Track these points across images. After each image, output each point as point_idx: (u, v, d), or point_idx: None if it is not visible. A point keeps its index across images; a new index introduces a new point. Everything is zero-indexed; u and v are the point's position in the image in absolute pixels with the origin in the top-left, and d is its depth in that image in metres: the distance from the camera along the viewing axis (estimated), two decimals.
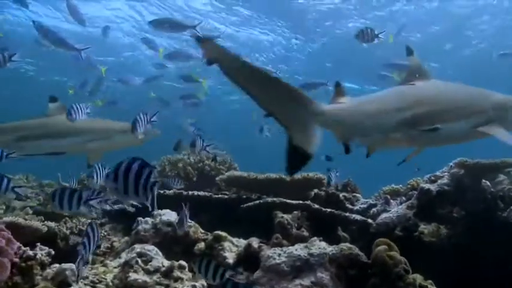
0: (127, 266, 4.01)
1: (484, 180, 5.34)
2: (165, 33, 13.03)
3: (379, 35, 6.89)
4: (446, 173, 5.64)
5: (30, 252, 3.53)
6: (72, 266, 3.66)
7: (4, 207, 6.06)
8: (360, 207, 6.08)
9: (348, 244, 4.32)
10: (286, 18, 17.78)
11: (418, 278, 3.99)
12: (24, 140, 5.56)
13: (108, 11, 17.05)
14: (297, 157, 3.24)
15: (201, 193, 5.78)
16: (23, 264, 3.51)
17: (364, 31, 6.88)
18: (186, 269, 4.14)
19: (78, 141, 5.59)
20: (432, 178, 5.77)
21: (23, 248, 3.54)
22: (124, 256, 4.30)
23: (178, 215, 4.87)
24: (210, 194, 5.82)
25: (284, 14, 17.33)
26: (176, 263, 4.11)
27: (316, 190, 6.18)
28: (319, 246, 4.26)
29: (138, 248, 4.26)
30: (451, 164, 5.66)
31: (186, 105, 11.42)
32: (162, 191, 5.75)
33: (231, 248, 4.62)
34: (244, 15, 17.47)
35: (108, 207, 5.53)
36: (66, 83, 20.72)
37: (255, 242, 4.55)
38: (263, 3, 16.49)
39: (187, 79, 10.66)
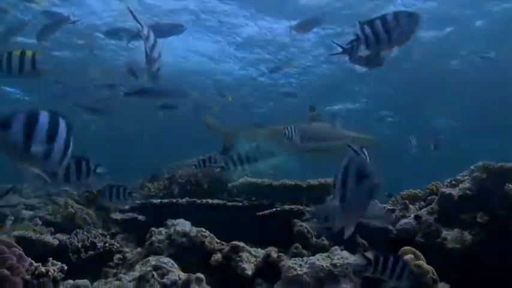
0: (143, 280, 3.84)
1: (507, 184, 5.14)
2: None
3: None
4: (467, 177, 5.44)
5: (43, 269, 3.35)
6: (86, 282, 3.49)
7: (13, 217, 5.91)
8: None
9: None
10: None
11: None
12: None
13: None
14: None
15: (215, 201, 5.61)
16: (35, 282, 3.32)
17: None
18: (204, 282, 3.97)
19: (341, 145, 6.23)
20: (453, 182, 5.56)
21: (34, 264, 3.36)
22: (138, 269, 4.13)
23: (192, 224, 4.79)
24: (224, 202, 5.65)
25: None
26: (193, 276, 3.94)
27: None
28: (342, 255, 4.09)
29: (153, 260, 4.11)
30: (472, 167, 5.46)
31: None
32: (175, 200, 5.61)
33: (250, 258, 4.45)
34: None
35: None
36: None
37: (273, 252, 4.38)
38: None
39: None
